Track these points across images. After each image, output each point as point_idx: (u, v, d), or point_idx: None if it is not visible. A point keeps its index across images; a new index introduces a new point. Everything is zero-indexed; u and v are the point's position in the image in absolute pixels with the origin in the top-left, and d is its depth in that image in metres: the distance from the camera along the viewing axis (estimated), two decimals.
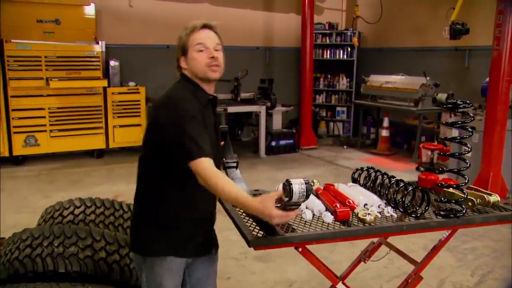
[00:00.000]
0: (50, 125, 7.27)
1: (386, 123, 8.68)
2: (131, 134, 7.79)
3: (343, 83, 10.39)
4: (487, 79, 5.97)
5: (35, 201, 5.49)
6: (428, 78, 7.82)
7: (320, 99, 10.61)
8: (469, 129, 2.14)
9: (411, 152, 8.27)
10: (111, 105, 7.64)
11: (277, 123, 8.78)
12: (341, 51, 10.34)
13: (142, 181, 2.12)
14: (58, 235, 2.60)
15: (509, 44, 5.39)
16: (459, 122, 2.14)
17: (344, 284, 2.28)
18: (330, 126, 10.65)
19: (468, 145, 2.21)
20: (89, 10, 7.79)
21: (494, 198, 2.31)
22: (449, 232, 2.33)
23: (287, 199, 1.65)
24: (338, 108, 10.57)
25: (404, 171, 7.09)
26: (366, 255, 2.71)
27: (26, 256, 2.49)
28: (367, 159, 8.25)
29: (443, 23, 7.30)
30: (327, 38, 10.45)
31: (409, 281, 2.32)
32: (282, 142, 8.63)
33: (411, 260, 2.50)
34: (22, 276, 2.46)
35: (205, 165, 1.84)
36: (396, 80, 8.46)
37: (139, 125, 7.86)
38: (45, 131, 7.24)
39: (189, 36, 2.03)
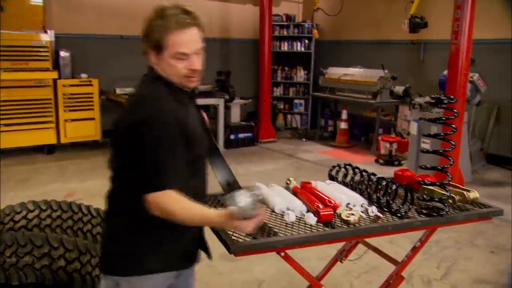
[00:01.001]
0: None
1: (344, 115, 8.69)
2: (83, 129, 7.39)
3: (300, 75, 10.35)
4: (444, 72, 6.07)
5: None
6: (386, 71, 7.89)
7: (278, 91, 10.52)
8: (453, 126, 2.08)
9: (370, 145, 8.33)
10: (62, 98, 7.21)
11: (235, 116, 8.64)
12: (299, 43, 10.28)
13: (116, 188, 1.81)
14: (10, 243, 2.35)
15: (467, 38, 5.50)
16: (443, 118, 2.07)
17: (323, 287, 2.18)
18: (288, 119, 10.61)
19: (452, 142, 2.15)
20: None
21: (474, 194, 2.28)
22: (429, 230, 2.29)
23: (238, 213, 1.57)
24: (295, 101, 10.53)
25: (364, 164, 7.11)
26: (342, 254, 2.63)
27: None
28: (326, 151, 8.25)
29: (400, 17, 7.39)
30: (285, 30, 10.35)
31: (391, 281, 2.26)
32: (241, 135, 8.50)
33: (391, 260, 2.44)
34: None
35: (168, 198, 1.62)
36: (354, 72, 8.49)
37: (92, 119, 7.47)
38: None
39: (169, 35, 1.68)
